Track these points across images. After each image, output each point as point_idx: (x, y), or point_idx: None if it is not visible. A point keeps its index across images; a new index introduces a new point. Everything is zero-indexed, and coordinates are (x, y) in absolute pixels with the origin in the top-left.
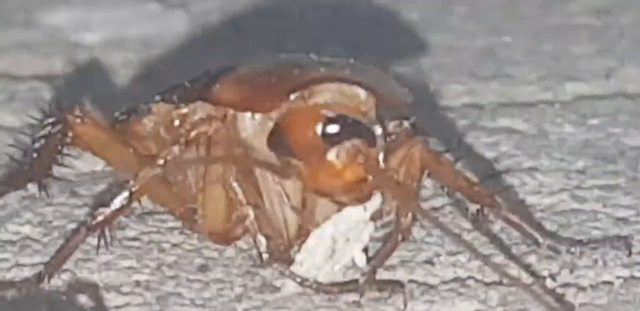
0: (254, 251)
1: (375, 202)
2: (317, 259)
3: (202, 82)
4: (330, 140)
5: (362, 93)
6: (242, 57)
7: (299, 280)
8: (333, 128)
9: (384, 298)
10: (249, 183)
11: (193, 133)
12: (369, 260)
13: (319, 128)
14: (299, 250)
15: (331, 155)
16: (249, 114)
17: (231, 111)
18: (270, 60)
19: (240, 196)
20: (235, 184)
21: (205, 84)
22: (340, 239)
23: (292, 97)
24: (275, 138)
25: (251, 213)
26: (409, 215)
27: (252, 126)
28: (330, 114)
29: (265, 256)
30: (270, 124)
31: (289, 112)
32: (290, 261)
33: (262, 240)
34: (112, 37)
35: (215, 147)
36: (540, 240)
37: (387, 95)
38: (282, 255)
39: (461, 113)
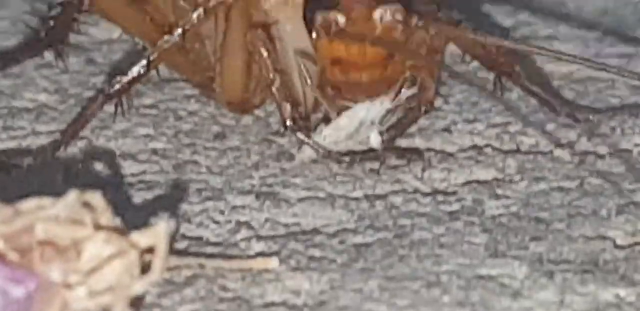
0: (271, 119)
1: (409, 92)
2: (341, 136)
3: None
4: None
5: None
6: None
7: (321, 150)
8: None
9: (401, 166)
10: (273, 51)
11: (212, 3)
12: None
13: None
14: (325, 124)
15: (377, 14)
16: None
17: None
18: None
19: (269, 62)
20: (263, 50)
21: None
22: (367, 122)
23: None
24: None
25: (278, 79)
26: (432, 86)
27: None
28: None
29: (289, 123)
30: None
31: None
32: (309, 130)
33: (287, 106)
34: None
35: (235, 16)
36: (558, 108)
37: None
38: (303, 123)
39: None
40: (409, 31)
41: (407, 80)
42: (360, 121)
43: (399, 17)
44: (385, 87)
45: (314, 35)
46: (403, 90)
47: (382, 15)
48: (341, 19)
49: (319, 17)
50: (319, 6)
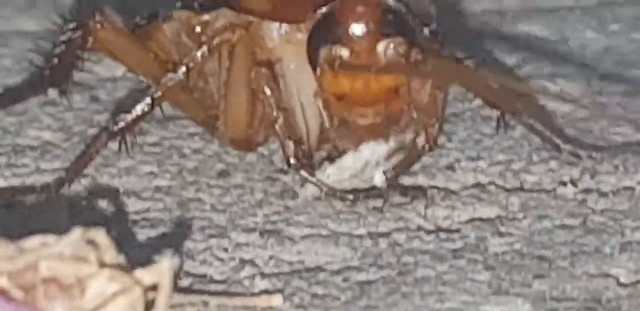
0: (275, 157)
1: (421, 138)
2: (344, 175)
3: None
4: (386, 31)
5: (391, 2)
6: None
7: (325, 187)
8: (393, 19)
9: (405, 204)
10: (277, 89)
11: (216, 41)
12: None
13: (379, 17)
14: (329, 163)
15: (381, 47)
16: (276, 24)
17: (255, 19)
18: None
19: (273, 100)
20: (267, 88)
21: None
22: (372, 162)
23: (325, 8)
24: (323, 28)
25: (281, 117)
26: (436, 124)
27: (279, 36)
28: (392, 6)
29: (292, 160)
30: (299, 35)
31: (346, 3)
32: (313, 168)
33: (290, 144)
34: None
35: (239, 54)
36: (562, 145)
37: (413, 4)
38: (306, 161)
39: (483, 19)
40: (412, 65)
41: (412, 119)
42: (365, 161)
43: (401, 50)
44: (390, 125)
45: (318, 70)
46: (408, 130)
47: (385, 48)
48: (345, 53)
49: (322, 52)
50: (322, 43)
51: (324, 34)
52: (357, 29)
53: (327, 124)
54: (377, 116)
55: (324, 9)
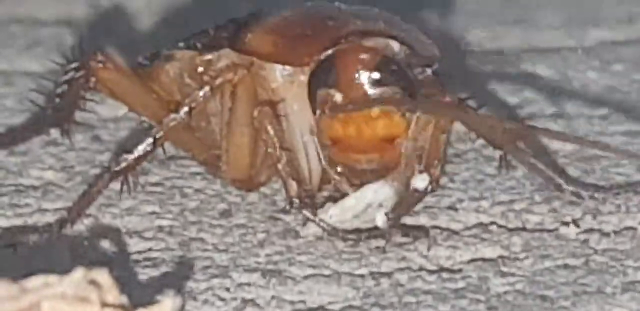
0: (277, 197)
1: (424, 179)
2: (347, 216)
3: (229, 29)
4: (382, 79)
5: (396, 46)
6: (266, 4)
7: (328, 228)
8: (390, 68)
9: (407, 244)
10: (280, 129)
11: (218, 81)
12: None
13: (377, 65)
14: (332, 203)
15: (374, 94)
16: (279, 65)
17: (258, 59)
18: (300, 10)
19: (275, 140)
20: (270, 128)
21: (235, 33)
22: (375, 204)
23: (329, 51)
24: (322, 72)
25: (284, 157)
26: (438, 166)
27: (282, 77)
28: (388, 55)
29: (295, 201)
30: (302, 77)
31: (346, 49)
32: (315, 207)
33: (293, 184)
34: None
35: (241, 94)
36: (564, 185)
37: (417, 48)
38: (309, 201)
39: (484, 59)
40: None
41: (414, 161)
42: (367, 203)
43: (394, 100)
44: (388, 169)
45: (316, 113)
46: (415, 175)
47: (379, 96)
48: (338, 97)
49: (319, 95)
50: (320, 86)
51: (322, 77)
52: (352, 75)
53: (326, 167)
54: (372, 163)
55: (328, 52)
